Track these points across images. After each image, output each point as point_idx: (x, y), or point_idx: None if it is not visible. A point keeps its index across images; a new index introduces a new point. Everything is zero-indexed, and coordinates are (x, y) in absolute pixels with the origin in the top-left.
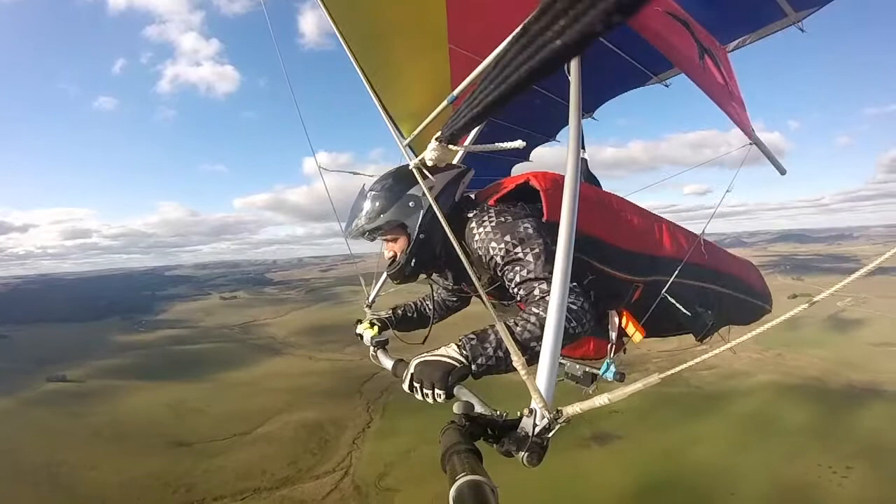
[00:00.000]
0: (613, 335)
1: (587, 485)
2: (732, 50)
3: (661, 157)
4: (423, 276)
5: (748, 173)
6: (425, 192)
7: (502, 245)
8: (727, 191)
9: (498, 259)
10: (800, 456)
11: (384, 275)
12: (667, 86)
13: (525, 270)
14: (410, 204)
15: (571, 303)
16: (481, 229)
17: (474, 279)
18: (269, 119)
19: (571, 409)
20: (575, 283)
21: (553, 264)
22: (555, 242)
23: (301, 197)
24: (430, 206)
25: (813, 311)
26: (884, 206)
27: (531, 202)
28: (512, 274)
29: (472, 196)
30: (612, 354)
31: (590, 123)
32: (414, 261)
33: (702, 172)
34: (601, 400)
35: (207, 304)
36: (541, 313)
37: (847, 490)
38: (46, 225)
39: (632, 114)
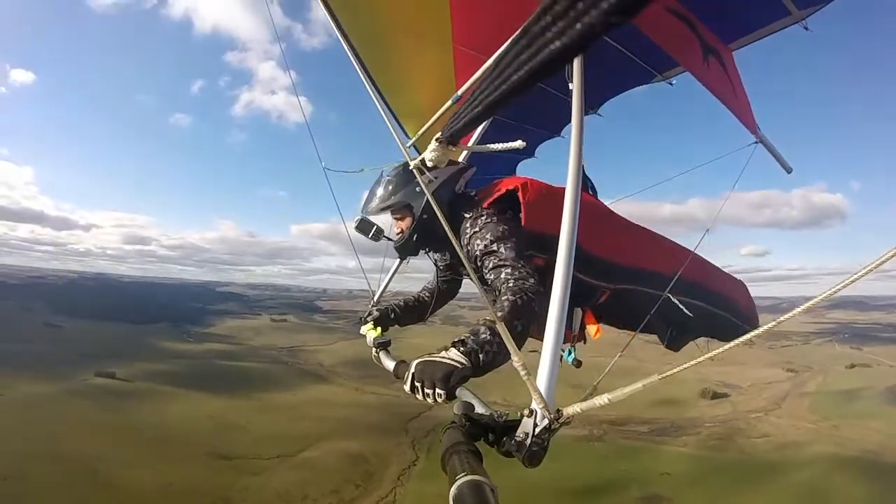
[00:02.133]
0: (576, 327)
1: None
2: (737, 49)
3: (719, 216)
4: (423, 253)
5: (808, 235)
6: (423, 188)
7: (484, 242)
8: (732, 188)
9: (478, 252)
10: None
11: (389, 275)
12: (671, 84)
13: (497, 259)
14: (417, 189)
15: (538, 289)
16: (472, 230)
17: (462, 256)
18: (336, 152)
19: (571, 409)
20: (531, 270)
21: (520, 258)
22: (526, 243)
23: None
24: (434, 191)
25: (872, 382)
26: None
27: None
28: (488, 262)
29: (473, 193)
30: (573, 343)
31: (596, 120)
32: (416, 236)
33: (760, 232)
34: (601, 400)
35: (257, 323)
36: (510, 297)
37: None
38: (109, 227)
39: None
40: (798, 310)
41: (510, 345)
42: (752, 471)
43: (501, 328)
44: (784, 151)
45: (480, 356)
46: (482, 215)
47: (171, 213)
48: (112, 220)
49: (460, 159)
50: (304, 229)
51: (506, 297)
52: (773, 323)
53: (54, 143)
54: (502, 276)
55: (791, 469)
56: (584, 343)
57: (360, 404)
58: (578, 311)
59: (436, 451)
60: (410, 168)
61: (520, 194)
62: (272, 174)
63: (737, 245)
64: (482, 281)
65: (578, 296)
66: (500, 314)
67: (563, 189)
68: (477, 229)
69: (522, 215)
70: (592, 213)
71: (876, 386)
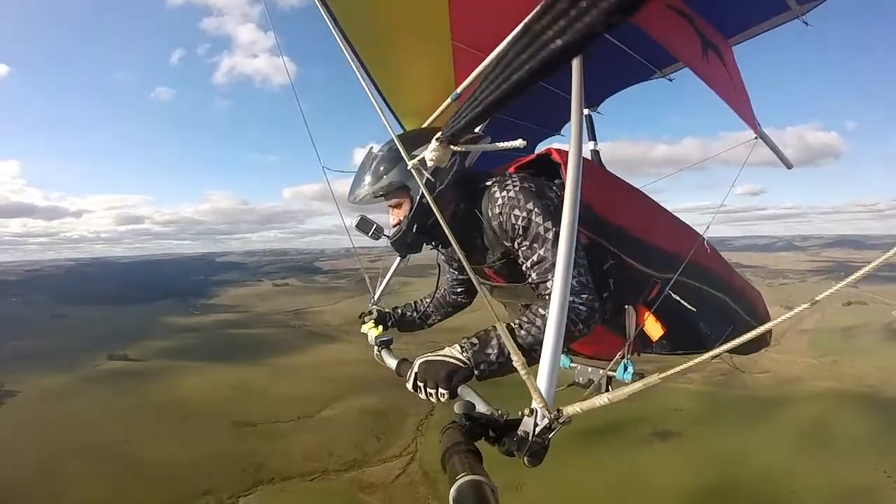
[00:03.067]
0: (631, 333)
1: (652, 480)
2: (736, 44)
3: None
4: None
5: (802, 174)
6: (423, 190)
7: (524, 213)
8: (732, 184)
9: (519, 229)
10: (856, 461)
11: (390, 273)
12: (670, 80)
13: (543, 249)
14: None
15: (580, 304)
16: (504, 193)
17: (460, 255)
18: (323, 110)
19: (572, 409)
20: (587, 278)
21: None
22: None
23: (347, 187)
24: (436, 169)
25: (869, 319)
26: None
27: (549, 178)
28: (529, 251)
29: (488, 171)
30: (628, 354)
31: (600, 117)
32: (416, 226)
33: (755, 171)
34: (601, 400)
35: (260, 290)
36: (547, 314)
37: None
38: (101, 211)
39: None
40: (804, 306)
41: (510, 345)
42: (756, 405)
43: (502, 328)
44: (777, 88)
45: (476, 371)
46: (512, 178)
47: (162, 189)
48: (103, 204)
49: None
50: (297, 192)
51: (544, 312)
52: (790, 314)
53: (37, 133)
54: (549, 283)
55: (794, 403)
56: (639, 355)
57: (371, 361)
58: (632, 312)
59: (451, 401)
60: (409, 168)
61: (555, 156)
62: (260, 139)
63: (731, 184)
64: (509, 268)
65: (627, 287)
66: (522, 331)
67: (599, 166)
68: (513, 194)
69: (564, 178)
70: (629, 194)
71: (873, 323)
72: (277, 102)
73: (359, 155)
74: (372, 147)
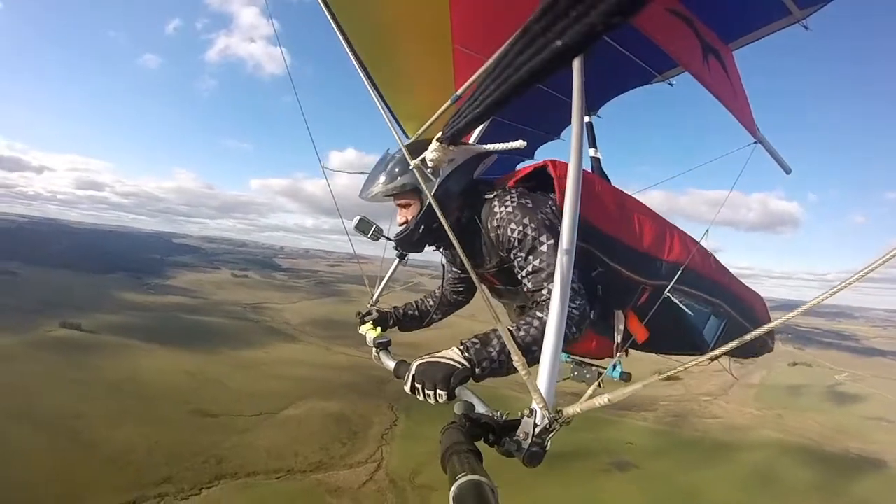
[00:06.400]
0: (619, 336)
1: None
2: (736, 48)
3: (679, 210)
4: (430, 249)
5: (757, 238)
6: (426, 191)
7: (520, 227)
8: (731, 189)
9: (515, 242)
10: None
11: (389, 274)
12: (671, 84)
13: (538, 260)
14: (428, 171)
15: (573, 308)
16: (503, 209)
17: (464, 258)
18: (308, 107)
19: (571, 410)
20: (579, 285)
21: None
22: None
23: (318, 189)
24: (447, 175)
25: (812, 380)
26: (887, 291)
27: (547, 189)
28: (524, 262)
29: (491, 181)
30: (617, 355)
31: (599, 122)
32: (422, 227)
33: (716, 230)
34: (601, 400)
35: (218, 278)
36: (544, 318)
37: None
38: (62, 170)
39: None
40: (799, 310)
41: (511, 345)
42: (707, 447)
43: (503, 329)
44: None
45: (476, 370)
46: (510, 193)
47: (129, 158)
48: (66, 163)
49: None
50: (264, 184)
51: (541, 315)
52: (779, 321)
53: (14, 77)
54: (544, 291)
55: (742, 449)
56: (626, 355)
57: (332, 364)
58: (620, 317)
59: (415, 412)
60: (411, 168)
61: (550, 170)
62: (238, 126)
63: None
64: (506, 274)
65: (617, 293)
66: (521, 332)
67: (593, 175)
68: (510, 209)
69: (556, 192)
70: (621, 202)
71: (816, 384)
72: (264, 91)
73: (335, 158)
74: (388, 149)
